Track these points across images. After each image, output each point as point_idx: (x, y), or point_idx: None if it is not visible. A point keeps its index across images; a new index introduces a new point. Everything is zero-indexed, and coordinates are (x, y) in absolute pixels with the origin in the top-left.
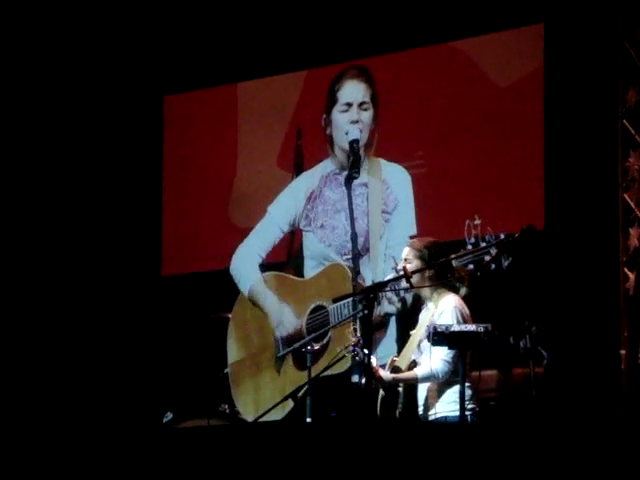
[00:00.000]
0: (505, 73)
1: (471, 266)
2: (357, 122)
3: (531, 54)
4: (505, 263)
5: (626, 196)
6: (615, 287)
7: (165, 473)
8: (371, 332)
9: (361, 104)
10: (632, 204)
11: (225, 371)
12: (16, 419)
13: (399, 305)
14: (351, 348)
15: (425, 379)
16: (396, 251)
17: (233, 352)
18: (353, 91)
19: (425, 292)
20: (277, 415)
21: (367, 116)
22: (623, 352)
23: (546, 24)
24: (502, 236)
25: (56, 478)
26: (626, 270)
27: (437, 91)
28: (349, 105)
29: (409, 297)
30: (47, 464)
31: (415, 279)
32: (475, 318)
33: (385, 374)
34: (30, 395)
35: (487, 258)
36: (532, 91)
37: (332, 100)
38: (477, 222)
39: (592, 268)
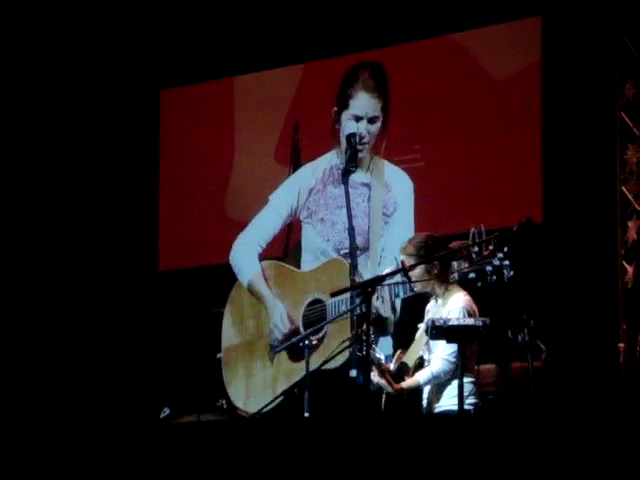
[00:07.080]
0: (502, 66)
1: (472, 275)
2: (364, 137)
3: (528, 47)
4: (507, 275)
5: (624, 189)
6: (613, 280)
7: (162, 469)
8: (369, 327)
9: (371, 119)
10: (630, 197)
11: (218, 356)
12: (12, 415)
13: (388, 307)
14: (351, 343)
15: (428, 383)
16: (391, 253)
17: (228, 336)
18: (364, 106)
19: (433, 288)
20: (267, 400)
21: (375, 127)
22: (621, 345)
23: (543, 17)
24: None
25: (53, 475)
26: (624, 263)
27: (433, 84)
28: (359, 118)
29: (398, 303)
30: (44, 461)
31: (417, 273)
32: None
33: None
34: (27, 391)
35: (489, 269)
36: (529, 84)
37: (343, 100)
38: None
39: (590, 261)
